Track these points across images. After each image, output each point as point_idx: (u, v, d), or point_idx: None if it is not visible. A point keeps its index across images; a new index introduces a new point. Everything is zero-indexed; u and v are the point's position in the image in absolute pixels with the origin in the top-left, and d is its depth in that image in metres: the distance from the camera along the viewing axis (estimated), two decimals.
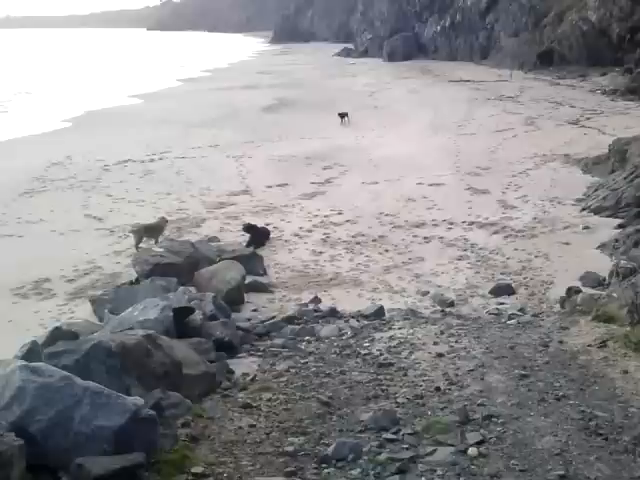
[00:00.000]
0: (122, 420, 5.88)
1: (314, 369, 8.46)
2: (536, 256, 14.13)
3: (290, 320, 10.92)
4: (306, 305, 11.83)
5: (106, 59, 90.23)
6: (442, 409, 7.06)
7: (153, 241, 15.17)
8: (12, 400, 5.84)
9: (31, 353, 7.71)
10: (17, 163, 24.06)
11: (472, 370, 8.03)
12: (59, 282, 13.49)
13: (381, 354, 8.84)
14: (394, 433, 6.58)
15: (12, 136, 30.75)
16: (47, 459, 5.70)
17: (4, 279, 13.45)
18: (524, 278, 12.97)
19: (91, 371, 6.56)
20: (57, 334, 8.84)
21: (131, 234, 15.33)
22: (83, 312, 11.69)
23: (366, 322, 10.65)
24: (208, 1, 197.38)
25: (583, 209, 17.18)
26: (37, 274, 13.76)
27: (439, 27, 67.30)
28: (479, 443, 6.28)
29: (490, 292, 12.28)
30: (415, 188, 20.11)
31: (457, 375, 7.91)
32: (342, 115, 32.34)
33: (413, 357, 8.64)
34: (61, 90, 51.37)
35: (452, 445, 6.29)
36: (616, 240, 14.33)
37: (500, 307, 11.40)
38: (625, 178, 17.70)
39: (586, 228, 15.73)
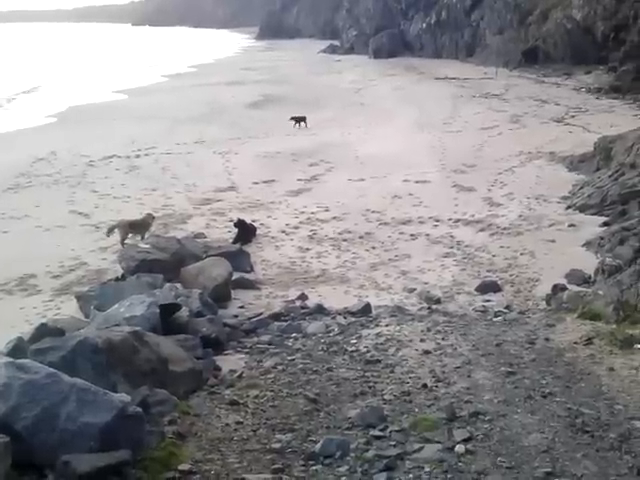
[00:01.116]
0: (108, 417, 5.84)
1: (301, 366, 8.44)
2: (522, 254, 14.20)
3: (277, 317, 10.95)
4: (293, 302, 11.85)
5: (91, 54, 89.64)
6: (429, 406, 7.07)
7: (139, 237, 15.10)
8: None
9: (16, 349, 7.65)
10: (1, 158, 23.86)
11: (459, 367, 8.04)
12: (45, 278, 13.42)
13: (368, 351, 8.84)
14: (381, 430, 6.58)
15: None
16: (33, 456, 5.65)
17: None
18: (510, 275, 13.03)
19: (77, 368, 6.51)
20: (43, 330, 8.78)
21: (108, 231, 15.20)
22: (69, 308, 11.64)
23: (353, 319, 10.67)
24: None
25: (568, 207, 17.26)
26: (22, 270, 13.67)
27: (424, 24, 67.26)
28: (466, 440, 6.29)
29: (476, 289, 12.33)
30: (401, 185, 20.14)
31: (444, 372, 7.92)
32: (297, 119, 30.49)
33: (400, 354, 8.64)
34: (46, 85, 50.95)
35: (439, 442, 6.30)
36: (601, 238, 14.42)
37: (486, 304, 11.47)
38: (610, 176, 17.82)
39: (571, 226, 15.82)
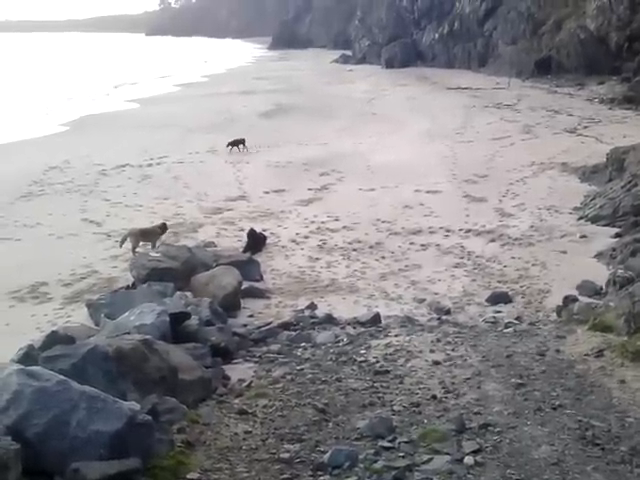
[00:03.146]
0: (118, 425, 5.87)
1: (310, 376, 8.45)
2: (533, 264, 14.14)
3: (286, 326, 10.94)
4: (302, 311, 11.83)
5: (104, 63, 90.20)
6: (438, 417, 7.05)
7: (150, 245, 15.16)
8: (8, 404, 5.83)
9: (27, 357, 7.69)
10: (15, 166, 24.04)
11: (468, 378, 8.02)
12: (56, 286, 13.49)
13: (377, 361, 8.83)
14: (390, 441, 6.57)
15: (10, 140, 30.71)
16: (43, 463, 5.68)
17: (1, 282, 13.45)
18: (521, 286, 12.97)
19: (87, 375, 6.55)
20: (53, 338, 8.82)
21: (121, 242, 15.26)
22: (79, 316, 11.68)
23: (362, 329, 10.65)
24: (207, 7, 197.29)
25: (580, 218, 17.19)
26: (34, 278, 13.74)
27: (437, 34, 67.32)
28: (475, 452, 6.27)
29: (487, 300, 12.28)
30: (412, 195, 20.13)
31: (453, 383, 7.91)
32: (234, 143, 27.29)
33: (409, 365, 8.63)
34: (58, 93, 51.29)
35: (448, 454, 6.29)
36: (613, 249, 14.35)
37: (497, 315, 11.41)
38: (622, 187, 17.72)
39: (583, 237, 15.74)
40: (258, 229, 16.20)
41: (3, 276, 13.78)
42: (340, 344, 9.77)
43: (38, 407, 5.82)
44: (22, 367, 6.26)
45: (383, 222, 17.53)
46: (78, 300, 12.69)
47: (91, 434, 5.79)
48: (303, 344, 9.84)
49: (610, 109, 35.21)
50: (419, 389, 7.81)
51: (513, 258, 14.58)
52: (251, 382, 8.36)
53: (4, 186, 21.14)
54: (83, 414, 5.86)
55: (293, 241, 16.20)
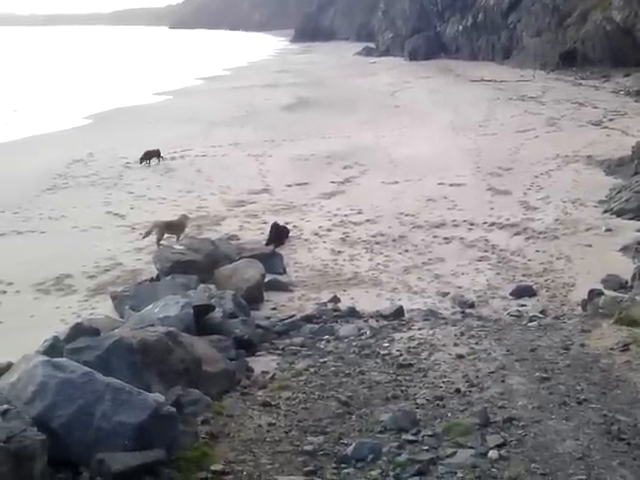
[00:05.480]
0: (143, 416, 5.91)
1: (333, 368, 8.45)
2: (558, 258, 14.02)
3: (309, 319, 10.94)
4: (325, 304, 11.83)
5: (127, 57, 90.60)
6: (462, 411, 7.01)
7: (175, 238, 15.23)
8: (34, 395, 5.89)
9: (52, 348, 7.77)
10: (40, 160, 24.25)
11: (493, 372, 7.97)
12: (80, 278, 13.60)
13: (400, 354, 8.81)
14: (414, 434, 6.55)
15: (35, 133, 30.99)
16: (68, 454, 5.74)
17: (26, 275, 13.58)
18: (545, 280, 12.87)
19: (112, 367, 6.60)
20: (78, 330, 8.90)
21: (146, 234, 15.34)
22: (104, 308, 11.78)
23: (385, 322, 10.63)
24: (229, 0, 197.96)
25: (605, 211, 17.01)
26: (59, 270, 13.86)
27: (461, 26, 66.85)
28: (500, 446, 6.23)
29: (511, 294, 12.20)
30: (435, 188, 20.02)
31: (477, 377, 7.85)
32: (147, 156, 23.95)
33: (433, 358, 8.60)
34: (82, 87, 51.63)
35: (472, 447, 6.25)
36: (639, 243, 14.19)
37: (521, 309, 11.34)
38: None
39: (608, 230, 15.57)
40: (281, 222, 16.21)
41: (28, 268, 13.92)
42: (363, 337, 9.75)
43: (63, 398, 5.87)
44: (47, 359, 6.32)
45: (406, 215, 17.47)
46: (102, 292, 12.79)
47: (116, 425, 5.83)
48: (326, 337, 9.84)
49: (636, 101, 34.75)
50: (443, 382, 7.77)
51: (538, 251, 14.47)
52: (274, 374, 8.38)
53: (29, 179, 21.35)
54: (108, 405, 5.91)
55: (316, 234, 16.19)
